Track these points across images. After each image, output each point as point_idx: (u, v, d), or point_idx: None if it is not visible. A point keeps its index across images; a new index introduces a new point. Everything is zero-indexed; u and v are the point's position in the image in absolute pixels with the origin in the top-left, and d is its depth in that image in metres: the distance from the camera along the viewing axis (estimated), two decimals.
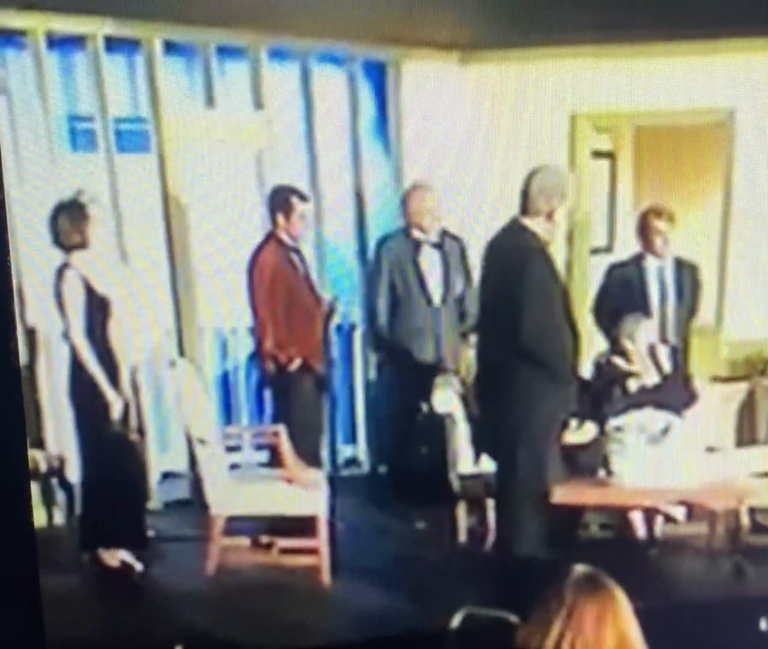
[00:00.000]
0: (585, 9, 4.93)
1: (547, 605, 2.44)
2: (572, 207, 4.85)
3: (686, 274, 5.42)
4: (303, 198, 5.29)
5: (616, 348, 5.17)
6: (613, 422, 4.92)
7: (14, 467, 3.95)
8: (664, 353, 5.27)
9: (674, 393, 5.09)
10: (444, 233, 5.59)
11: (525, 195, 4.71)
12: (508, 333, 4.63)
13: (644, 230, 5.38)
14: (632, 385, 5.07)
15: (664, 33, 5.31)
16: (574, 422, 4.98)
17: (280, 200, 5.24)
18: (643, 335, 5.16)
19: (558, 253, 4.93)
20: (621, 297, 5.36)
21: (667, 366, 5.26)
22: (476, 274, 5.52)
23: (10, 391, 3.94)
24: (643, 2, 4.93)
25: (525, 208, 4.71)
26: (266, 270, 5.21)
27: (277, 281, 5.22)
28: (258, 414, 5.68)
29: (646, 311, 5.29)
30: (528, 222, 4.70)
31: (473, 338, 5.50)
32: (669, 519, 5.08)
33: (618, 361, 5.12)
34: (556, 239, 4.85)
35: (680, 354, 5.36)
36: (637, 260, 5.43)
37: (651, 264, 5.39)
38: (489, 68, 5.66)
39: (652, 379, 5.12)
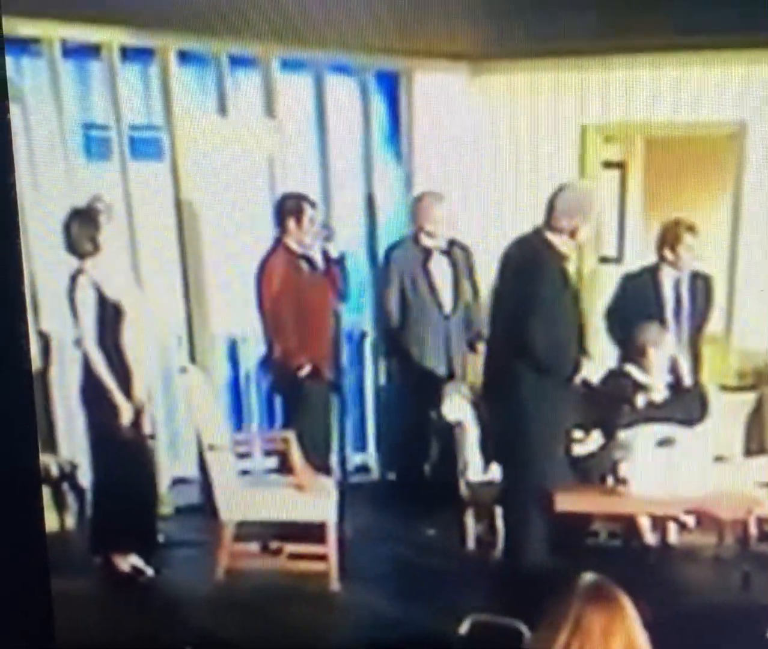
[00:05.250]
0: (595, 20, 4.94)
1: (554, 613, 2.45)
2: (597, 227, 4.86)
3: (700, 285, 5.41)
4: (312, 204, 5.31)
5: (630, 356, 5.16)
6: (622, 434, 4.93)
7: (25, 471, 3.97)
8: (685, 366, 5.26)
9: (686, 408, 5.08)
10: (452, 243, 5.60)
11: (549, 211, 4.69)
12: (517, 339, 4.64)
13: (671, 242, 5.34)
14: (640, 400, 5.06)
15: (675, 44, 5.32)
16: (580, 433, 4.99)
17: (292, 206, 5.24)
18: (665, 345, 5.13)
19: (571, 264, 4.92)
20: (636, 307, 5.34)
21: (687, 379, 5.25)
22: (484, 284, 5.54)
23: (22, 395, 3.95)
24: (655, 13, 4.93)
25: (549, 224, 4.69)
26: (274, 277, 5.22)
27: (286, 288, 5.23)
28: (268, 420, 5.71)
29: (661, 322, 5.28)
30: (551, 237, 4.68)
31: (481, 346, 5.51)
32: (681, 525, 5.08)
33: (631, 369, 5.11)
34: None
35: (692, 366, 5.36)
36: (653, 271, 5.41)
37: (667, 275, 5.37)
38: (499, 78, 5.69)
39: (661, 395, 5.11)
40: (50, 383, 5.22)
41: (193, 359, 5.48)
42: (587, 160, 5.84)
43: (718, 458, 5.09)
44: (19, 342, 3.83)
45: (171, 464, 5.49)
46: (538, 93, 5.65)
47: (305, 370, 5.25)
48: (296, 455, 4.99)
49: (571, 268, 4.92)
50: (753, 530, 4.95)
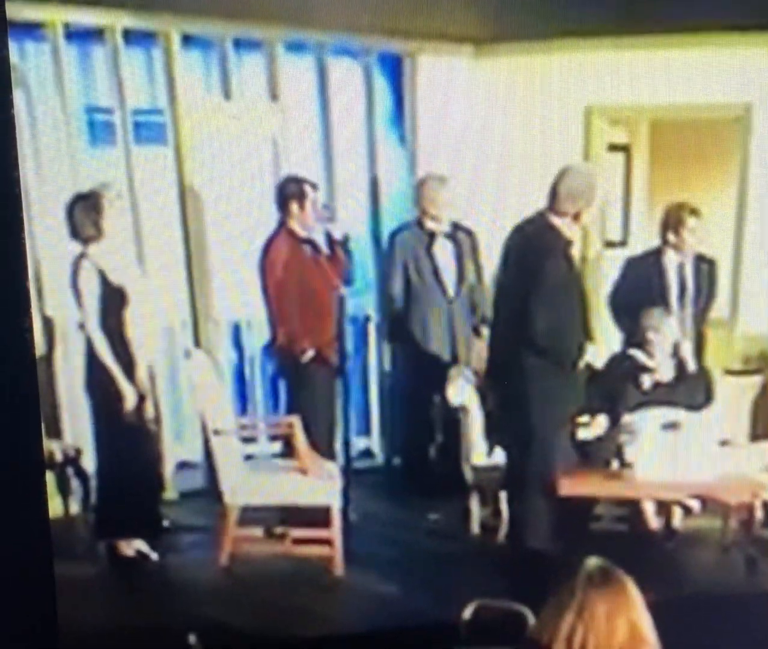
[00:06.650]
0: (601, 2, 4.93)
1: (559, 598, 2.45)
2: (601, 209, 4.85)
3: (704, 269, 5.40)
4: (314, 186, 5.30)
5: (634, 340, 5.15)
6: (627, 418, 4.92)
7: (29, 456, 3.97)
8: (689, 351, 5.25)
9: (691, 392, 5.08)
10: (456, 226, 5.59)
11: (553, 195, 4.69)
12: (520, 323, 4.64)
13: (674, 225, 5.33)
14: (646, 381, 5.05)
15: (680, 26, 5.29)
16: (585, 417, 4.99)
17: (293, 189, 5.24)
18: (668, 329, 5.12)
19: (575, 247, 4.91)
20: (639, 291, 5.33)
21: (691, 364, 5.24)
22: (488, 268, 5.53)
23: (26, 382, 3.95)
24: None
25: (552, 207, 4.69)
26: (278, 261, 5.21)
27: (289, 273, 5.22)
28: (273, 405, 5.71)
29: (665, 306, 5.27)
30: (555, 220, 4.68)
31: (486, 331, 5.51)
32: (685, 509, 5.08)
33: (635, 353, 5.10)
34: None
35: (696, 350, 5.35)
36: (656, 254, 5.40)
37: (671, 259, 5.37)
38: (503, 61, 5.66)
39: (667, 375, 5.10)
40: (54, 368, 5.22)
41: (197, 343, 5.48)
42: (592, 143, 5.81)
43: (724, 443, 5.09)
44: (23, 329, 3.83)
45: (176, 449, 5.48)
46: (543, 75, 5.62)
47: (309, 354, 5.24)
48: (301, 440, 5.00)
49: (575, 252, 4.91)
50: (758, 514, 4.96)
